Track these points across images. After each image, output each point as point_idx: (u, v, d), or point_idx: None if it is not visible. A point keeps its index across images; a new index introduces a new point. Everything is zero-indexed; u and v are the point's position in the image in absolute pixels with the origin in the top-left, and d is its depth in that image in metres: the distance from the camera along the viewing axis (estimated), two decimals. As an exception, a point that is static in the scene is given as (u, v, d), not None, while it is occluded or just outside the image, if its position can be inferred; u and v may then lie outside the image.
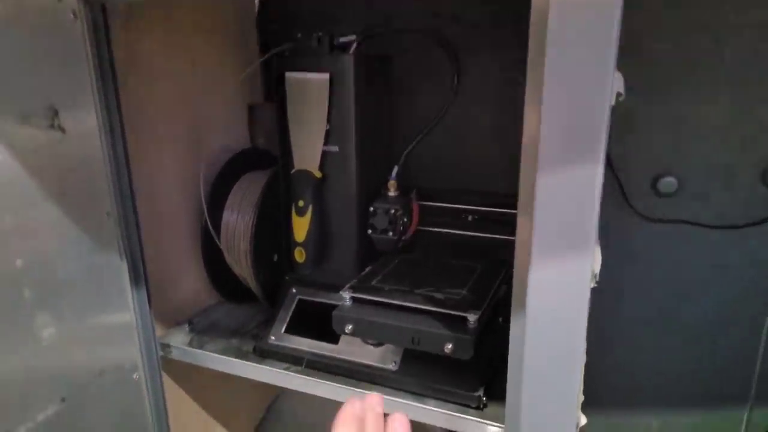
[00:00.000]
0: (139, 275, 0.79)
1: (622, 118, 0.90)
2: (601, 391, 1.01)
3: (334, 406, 0.76)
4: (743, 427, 0.98)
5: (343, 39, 0.79)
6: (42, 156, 0.64)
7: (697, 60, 0.86)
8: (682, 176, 0.91)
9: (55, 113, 0.64)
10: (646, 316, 0.99)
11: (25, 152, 0.62)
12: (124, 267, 0.76)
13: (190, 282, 0.95)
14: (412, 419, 0.72)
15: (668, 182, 0.92)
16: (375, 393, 0.32)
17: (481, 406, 0.70)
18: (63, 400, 0.69)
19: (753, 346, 0.94)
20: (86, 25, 0.67)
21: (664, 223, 0.94)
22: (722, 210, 0.90)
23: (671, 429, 1.03)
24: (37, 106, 0.63)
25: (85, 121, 0.69)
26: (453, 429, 0.71)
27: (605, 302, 0.98)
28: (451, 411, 0.70)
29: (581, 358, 0.55)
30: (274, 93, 0.83)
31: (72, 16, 0.65)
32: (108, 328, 0.75)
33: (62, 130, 0.65)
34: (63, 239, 0.67)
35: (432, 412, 0.71)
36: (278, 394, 1.20)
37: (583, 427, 0.62)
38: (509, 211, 0.87)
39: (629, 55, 0.86)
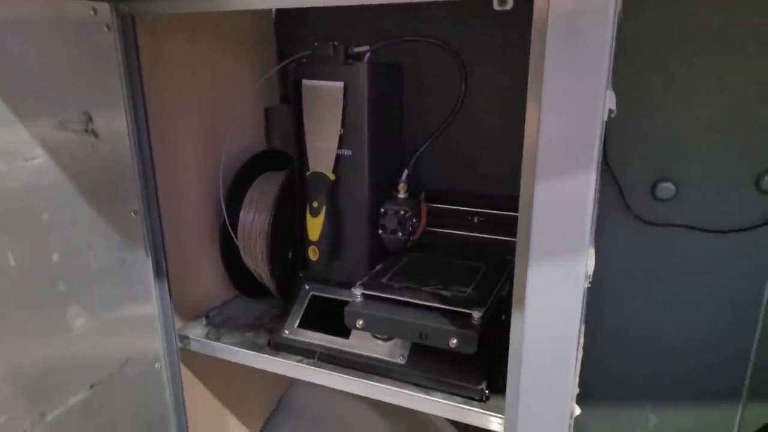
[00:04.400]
0: (161, 270, 0.84)
1: (620, 125, 0.93)
2: (601, 388, 1.05)
3: (341, 398, 0.81)
4: (737, 422, 1.02)
5: (357, 49, 0.83)
6: (77, 159, 0.68)
7: (696, 66, 0.89)
8: (679, 181, 0.95)
9: (89, 118, 0.69)
10: (644, 316, 1.03)
11: (62, 156, 0.66)
12: (149, 262, 0.81)
13: (208, 277, 1.00)
14: (419, 410, 0.77)
15: (666, 187, 0.96)
16: None
17: (484, 398, 0.74)
18: (92, 386, 0.74)
19: (747, 346, 0.98)
20: (118, 35, 0.72)
21: (662, 227, 0.97)
22: (718, 215, 0.94)
23: (669, 424, 1.07)
24: (73, 112, 0.68)
25: (116, 126, 0.74)
26: (457, 420, 0.75)
27: (605, 302, 1.02)
28: (456, 403, 0.74)
29: (576, 353, 0.59)
30: (291, 98, 0.88)
31: (106, 28, 0.70)
32: (133, 319, 0.80)
33: (95, 134, 0.70)
34: (94, 236, 0.72)
35: (437, 403, 0.75)
36: (289, 385, 1.25)
37: (581, 419, 0.66)
38: (512, 213, 0.90)
39: (629, 63, 0.90)
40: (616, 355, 1.05)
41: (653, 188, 0.96)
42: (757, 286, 0.94)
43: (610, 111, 0.53)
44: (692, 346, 1.01)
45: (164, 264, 0.84)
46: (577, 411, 0.64)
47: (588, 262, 0.55)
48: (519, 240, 0.58)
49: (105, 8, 0.71)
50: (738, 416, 1.01)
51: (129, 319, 0.79)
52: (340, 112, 0.83)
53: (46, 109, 0.65)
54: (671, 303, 1.00)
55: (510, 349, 0.62)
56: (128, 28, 0.75)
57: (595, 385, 1.03)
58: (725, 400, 1.01)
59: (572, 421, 0.62)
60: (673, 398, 1.05)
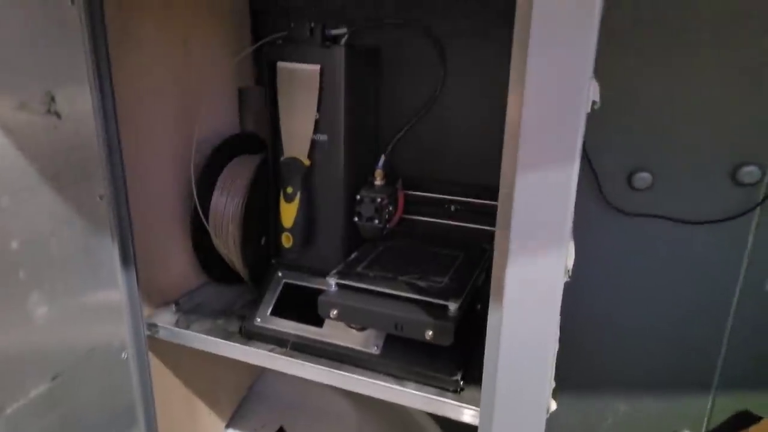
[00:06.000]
0: (128, 256, 0.81)
1: (598, 115, 0.93)
2: (572, 377, 1.06)
3: (313, 388, 0.80)
4: (708, 411, 1.03)
5: (334, 31, 0.81)
6: (38, 141, 0.65)
7: (675, 57, 0.89)
8: (656, 172, 0.95)
9: (52, 99, 0.66)
10: (618, 306, 1.03)
11: (22, 137, 0.63)
12: (115, 248, 0.78)
13: (178, 263, 0.97)
14: (393, 402, 0.76)
15: (643, 177, 0.96)
16: None
17: (459, 389, 0.74)
18: (54, 378, 0.71)
19: (718, 336, 0.99)
20: (83, 11, 0.68)
21: (638, 217, 0.98)
22: (694, 206, 0.94)
23: (638, 413, 1.08)
24: (34, 92, 0.64)
25: (81, 106, 0.70)
26: (431, 411, 0.74)
27: (578, 291, 1.02)
28: (430, 394, 0.74)
29: (554, 348, 0.58)
30: (266, 80, 0.85)
31: (69, 2, 0.66)
32: (98, 308, 0.77)
33: (58, 115, 0.67)
34: (57, 221, 0.69)
35: (411, 395, 0.74)
36: (260, 373, 1.23)
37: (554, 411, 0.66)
38: (489, 202, 0.90)
39: (607, 53, 0.89)
40: (588, 344, 1.06)
41: (630, 178, 0.97)
42: (731, 277, 0.95)
43: (593, 102, 0.52)
44: (665, 335, 1.02)
45: (131, 249, 0.81)
46: (554, 406, 0.63)
47: (568, 256, 0.55)
48: (498, 232, 0.57)
49: (68, -19, 0.67)
50: (708, 405, 1.03)
51: (94, 307, 0.76)
52: (316, 96, 0.81)
53: (4, 89, 0.61)
54: (645, 293, 1.01)
55: (487, 342, 0.61)
56: (95, 3, 0.71)
57: (566, 374, 1.04)
58: (696, 389, 1.03)
59: (548, 416, 0.62)
60: (644, 387, 1.06)
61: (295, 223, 0.86)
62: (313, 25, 0.80)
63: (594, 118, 0.91)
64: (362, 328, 0.80)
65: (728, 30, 0.86)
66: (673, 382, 1.04)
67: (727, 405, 1.02)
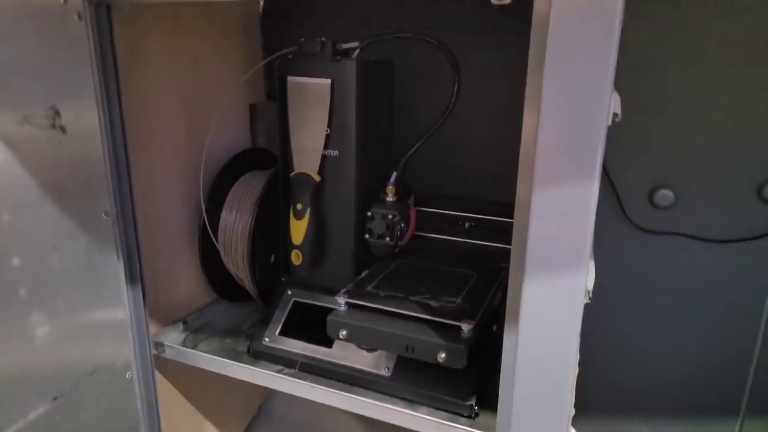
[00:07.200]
0: (134, 274, 0.79)
1: (619, 131, 0.90)
2: (593, 398, 1.02)
3: (324, 407, 0.78)
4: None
5: (345, 45, 0.79)
6: (42, 156, 0.64)
7: (698, 72, 0.86)
8: (678, 189, 0.92)
9: (57, 113, 0.65)
10: (640, 327, 0.99)
11: (26, 152, 0.62)
12: (120, 266, 0.76)
13: (186, 280, 0.95)
14: (404, 427, 0.73)
15: (665, 195, 0.93)
16: None
17: (473, 415, 0.70)
18: (55, 398, 0.69)
19: (745, 358, 0.95)
20: (91, 26, 0.67)
21: (660, 235, 0.94)
22: (718, 224, 0.91)
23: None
24: (39, 106, 0.63)
25: (87, 122, 0.69)
26: (444, 437, 0.71)
27: (599, 311, 0.98)
28: (443, 419, 0.70)
29: (573, 373, 0.55)
30: (276, 94, 0.83)
31: (77, 17, 0.65)
32: (102, 326, 0.76)
33: (63, 130, 0.66)
34: (60, 238, 0.68)
35: (423, 420, 0.71)
36: (270, 393, 1.20)
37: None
38: (505, 219, 0.87)
39: (627, 66, 0.87)
40: (609, 367, 1.02)
41: (651, 195, 0.93)
42: (758, 298, 0.91)
43: (615, 115, 0.50)
44: (689, 358, 0.98)
45: (138, 267, 0.80)
46: (573, 434, 0.60)
47: (588, 276, 0.52)
48: (514, 251, 0.54)
49: (76, -4, 0.66)
50: (736, 431, 0.98)
51: (97, 326, 0.75)
52: (327, 111, 0.79)
53: (8, 103, 0.61)
54: (668, 313, 0.97)
55: (502, 366, 0.58)
56: (102, 19, 0.70)
57: (587, 399, 1.00)
58: (723, 415, 0.98)
59: (567, 445, 0.58)
60: (668, 413, 1.02)
61: (305, 240, 0.84)
62: (323, 39, 0.78)
63: (614, 134, 0.89)
64: (372, 349, 0.78)
65: (752, 43, 0.83)
66: (699, 407, 1.00)
67: (756, 431, 0.97)
